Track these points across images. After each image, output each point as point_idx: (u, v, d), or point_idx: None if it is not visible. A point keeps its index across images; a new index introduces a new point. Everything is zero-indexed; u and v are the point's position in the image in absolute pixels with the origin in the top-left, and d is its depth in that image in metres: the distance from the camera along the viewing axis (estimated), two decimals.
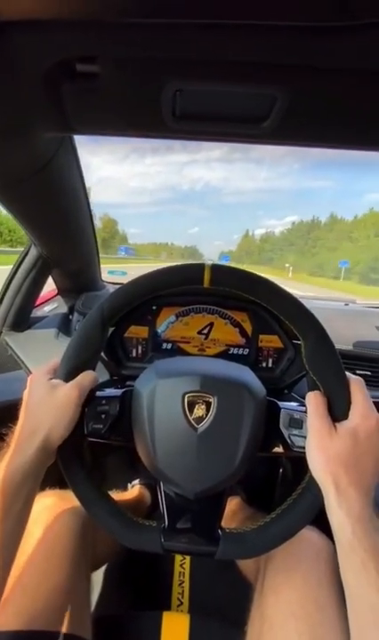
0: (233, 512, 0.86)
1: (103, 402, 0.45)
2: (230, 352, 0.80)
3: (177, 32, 0.28)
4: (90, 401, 0.43)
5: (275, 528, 0.41)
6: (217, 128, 0.40)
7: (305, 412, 0.42)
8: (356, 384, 0.40)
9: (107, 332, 0.43)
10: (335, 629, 0.41)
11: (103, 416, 0.44)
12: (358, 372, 0.79)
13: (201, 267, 0.40)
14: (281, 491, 1.05)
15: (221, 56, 0.31)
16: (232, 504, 0.92)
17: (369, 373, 0.79)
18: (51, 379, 0.43)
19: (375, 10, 0.25)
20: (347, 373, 0.40)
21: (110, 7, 0.26)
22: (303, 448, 0.41)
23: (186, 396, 0.41)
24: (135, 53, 0.31)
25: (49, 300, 1.06)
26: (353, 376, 0.40)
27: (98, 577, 0.84)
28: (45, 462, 0.40)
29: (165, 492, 0.46)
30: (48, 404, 0.40)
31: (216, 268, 0.40)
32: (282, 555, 0.43)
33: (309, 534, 0.40)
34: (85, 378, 0.42)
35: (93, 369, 0.44)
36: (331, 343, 0.40)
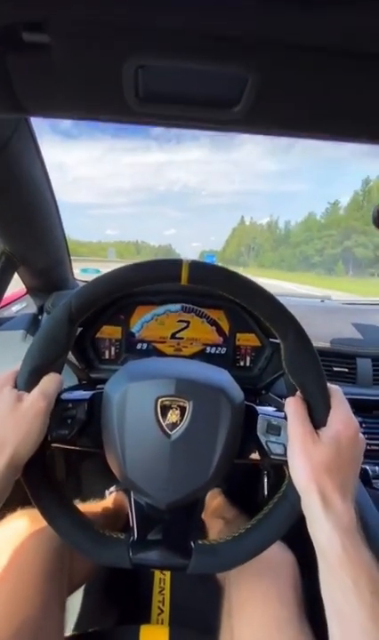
0: (215, 512, 0.85)
1: (70, 405, 0.42)
2: (208, 351, 0.78)
3: None
4: (55, 405, 0.40)
5: (249, 539, 0.40)
6: (185, 112, 0.37)
7: (283, 417, 0.40)
8: (335, 391, 0.39)
9: (75, 331, 0.40)
10: None
11: (69, 421, 0.41)
12: (334, 368, 0.79)
13: (179, 263, 0.37)
14: (262, 493, 1.04)
15: (187, 27, 0.28)
16: (215, 503, 0.91)
17: (346, 370, 0.79)
18: (15, 386, 0.39)
19: None
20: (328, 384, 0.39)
21: None
22: (281, 455, 0.39)
23: (159, 400, 0.39)
24: (90, 20, 0.28)
25: (17, 299, 1.01)
26: (333, 385, 0.39)
27: (77, 594, 0.80)
28: (12, 479, 0.37)
29: (135, 501, 0.43)
30: (13, 418, 0.36)
31: (195, 265, 0.37)
32: (244, 570, 0.41)
33: (272, 548, 0.39)
34: (50, 382, 0.38)
35: (59, 372, 0.41)
36: (311, 346, 0.38)
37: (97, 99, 0.36)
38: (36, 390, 0.38)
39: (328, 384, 0.39)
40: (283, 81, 0.33)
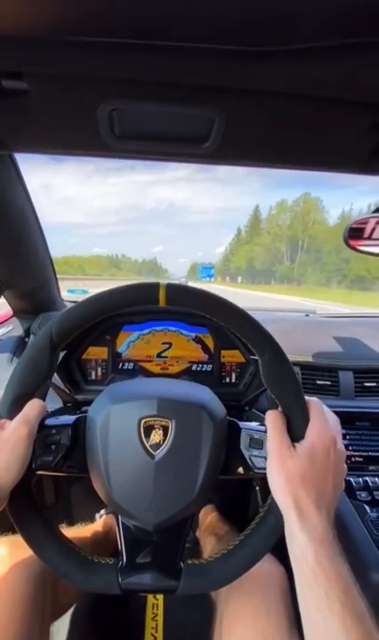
0: (208, 528, 0.84)
1: (53, 431, 0.41)
2: (194, 369, 0.79)
3: (108, 51, 0.28)
4: (38, 431, 0.40)
5: (238, 556, 0.40)
6: (160, 148, 0.40)
7: (265, 431, 0.41)
8: (313, 403, 0.39)
9: (56, 357, 0.40)
10: None
11: (53, 447, 0.41)
12: (317, 381, 0.81)
13: (156, 286, 0.39)
14: (254, 507, 1.03)
15: (155, 77, 0.31)
16: (208, 519, 0.90)
17: (329, 383, 0.81)
18: None
19: (305, 36, 0.26)
20: (306, 397, 0.40)
21: (35, 23, 0.25)
22: (264, 469, 0.39)
23: (142, 420, 0.39)
24: (64, 71, 0.30)
25: (3, 322, 1.00)
26: (311, 397, 0.40)
27: (64, 620, 0.78)
28: None
29: (123, 524, 0.43)
30: None
31: (171, 288, 0.39)
32: (235, 587, 0.41)
33: (261, 562, 0.39)
34: (32, 409, 0.38)
35: (42, 398, 0.41)
36: (287, 361, 0.39)
37: (75, 137, 0.38)
38: (17, 418, 0.37)
39: (308, 397, 0.40)
40: (245, 121, 0.36)
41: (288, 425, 0.38)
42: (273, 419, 0.38)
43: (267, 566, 0.51)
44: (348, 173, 0.44)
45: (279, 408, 0.39)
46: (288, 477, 0.35)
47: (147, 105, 0.34)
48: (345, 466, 0.39)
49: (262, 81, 0.31)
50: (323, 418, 0.38)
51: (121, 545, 0.42)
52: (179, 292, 0.39)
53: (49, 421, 0.42)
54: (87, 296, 0.40)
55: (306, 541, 0.32)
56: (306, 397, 0.40)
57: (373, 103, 0.34)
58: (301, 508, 0.34)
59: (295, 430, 0.38)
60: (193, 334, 0.79)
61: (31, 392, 0.39)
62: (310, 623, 0.31)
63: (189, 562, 0.40)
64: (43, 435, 0.40)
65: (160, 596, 0.91)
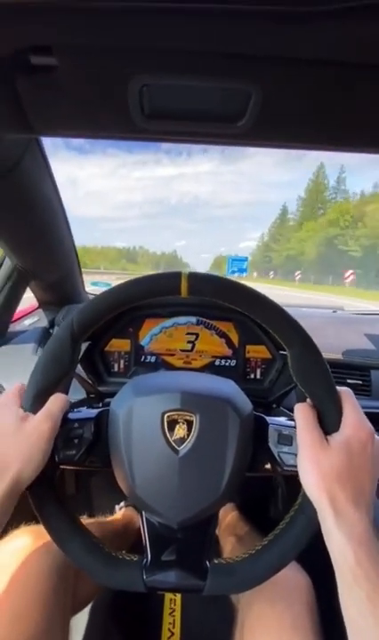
0: (228, 528, 0.83)
1: (76, 425, 0.41)
2: (217, 364, 0.78)
3: (139, 19, 0.26)
4: (61, 425, 0.39)
5: (267, 557, 0.38)
6: (191, 128, 0.37)
7: (294, 427, 0.39)
8: (346, 394, 0.37)
9: (78, 350, 0.40)
10: None
11: (76, 441, 0.40)
12: (349, 381, 0.77)
13: (178, 275, 0.37)
14: (276, 506, 1.01)
15: (189, 46, 0.29)
16: (228, 519, 0.89)
17: (360, 382, 0.77)
18: (22, 406, 0.39)
19: None
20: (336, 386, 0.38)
21: None
22: (294, 467, 0.38)
23: (165, 415, 0.38)
24: (94, 43, 0.29)
25: (29, 313, 1.02)
26: (343, 387, 0.38)
27: (83, 614, 0.78)
28: (14, 501, 0.36)
29: (147, 520, 0.42)
30: (17, 440, 0.36)
31: (193, 277, 0.37)
32: (258, 593, 0.39)
33: (285, 570, 0.37)
34: (55, 403, 0.38)
35: (65, 391, 0.41)
36: (318, 352, 0.37)
37: (104, 117, 0.37)
38: (41, 412, 0.37)
39: (339, 387, 0.37)
40: (284, 95, 0.33)
41: (320, 418, 0.36)
42: (303, 412, 0.36)
43: (291, 574, 0.49)
44: None
45: (309, 401, 0.37)
46: (322, 473, 0.33)
47: (178, 79, 0.32)
48: None
49: (305, 47, 0.29)
50: (358, 409, 0.36)
51: (145, 541, 0.41)
52: (202, 282, 0.37)
53: (72, 415, 0.42)
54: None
55: (344, 541, 0.30)
56: (337, 388, 0.37)
57: None
58: (337, 506, 0.32)
59: (328, 423, 0.36)
60: (217, 328, 0.77)
61: (54, 385, 0.39)
62: (352, 627, 0.29)
63: (216, 561, 0.39)
64: (66, 429, 0.40)
65: (178, 593, 0.90)
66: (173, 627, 0.84)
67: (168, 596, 0.90)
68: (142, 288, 0.38)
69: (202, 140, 0.40)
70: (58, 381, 0.39)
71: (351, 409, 0.36)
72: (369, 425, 0.35)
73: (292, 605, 0.46)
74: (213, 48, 0.29)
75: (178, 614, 0.86)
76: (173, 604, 0.89)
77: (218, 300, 0.38)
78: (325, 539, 0.33)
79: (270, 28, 0.27)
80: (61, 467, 0.41)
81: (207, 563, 0.39)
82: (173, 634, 0.83)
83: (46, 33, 0.28)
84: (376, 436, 0.35)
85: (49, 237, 0.74)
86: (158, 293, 0.38)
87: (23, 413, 0.37)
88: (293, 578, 0.49)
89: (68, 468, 0.41)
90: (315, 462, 0.34)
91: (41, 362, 0.39)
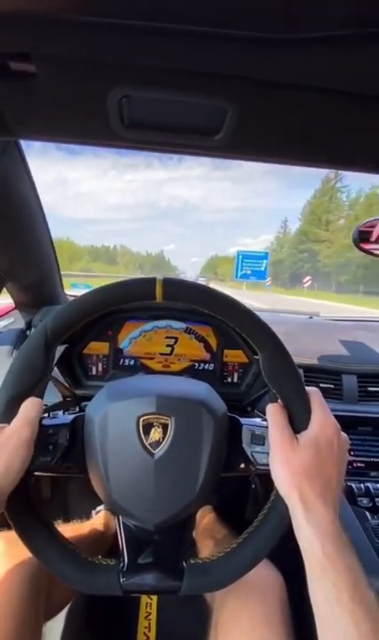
0: (206, 530, 0.83)
1: (51, 431, 0.40)
2: (196, 367, 0.78)
3: (120, 34, 0.27)
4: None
5: (241, 555, 0.39)
6: (170, 139, 0.38)
7: (266, 427, 0.40)
8: (314, 394, 0.39)
9: (52, 356, 0.39)
10: None
11: (51, 447, 0.40)
12: (321, 385, 0.80)
13: (152, 281, 0.38)
14: (252, 506, 1.03)
15: (168, 64, 0.30)
16: (205, 521, 0.89)
17: (332, 386, 0.80)
18: None
19: (322, 24, 0.25)
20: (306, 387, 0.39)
21: (43, 0, 0.24)
22: (267, 465, 0.39)
23: (141, 418, 0.39)
24: (74, 54, 0.29)
25: (5, 314, 1.00)
26: (311, 387, 0.40)
27: (58, 619, 0.77)
28: None
29: (124, 524, 0.42)
30: None
31: (168, 282, 0.38)
32: (231, 591, 0.41)
33: (257, 569, 0.38)
34: (31, 408, 0.37)
35: (40, 396, 0.40)
36: (288, 355, 0.38)
37: (83, 124, 0.37)
38: (17, 419, 0.36)
39: (308, 387, 0.39)
40: (259, 112, 0.35)
41: (290, 418, 0.37)
42: (274, 412, 0.38)
43: (264, 572, 0.51)
44: (363, 172, 0.43)
45: (280, 401, 0.39)
46: (292, 470, 0.34)
47: (158, 92, 0.33)
48: (347, 454, 0.38)
49: (276, 71, 0.30)
50: (325, 408, 0.38)
51: (122, 545, 0.41)
52: (176, 287, 0.38)
53: (46, 422, 0.41)
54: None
55: (313, 534, 0.32)
56: (306, 388, 0.39)
57: None
58: (306, 502, 0.33)
59: (298, 423, 0.37)
60: (197, 333, 0.78)
61: (27, 392, 0.38)
62: (319, 615, 0.31)
63: (192, 561, 0.40)
64: (41, 435, 0.39)
65: (154, 596, 0.90)
66: (149, 630, 0.84)
67: (144, 599, 0.90)
68: (117, 293, 0.38)
69: (181, 150, 0.41)
70: (31, 388, 0.38)
71: (319, 408, 0.37)
72: (335, 422, 0.37)
73: (264, 601, 0.47)
74: (192, 67, 0.30)
75: (153, 617, 0.86)
76: (148, 608, 0.89)
77: (192, 305, 0.39)
78: (295, 532, 0.34)
79: (248, 52, 0.28)
80: (36, 474, 0.40)
81: (183, 563, 0.39)
82: (147, 637, 0.83)
83: (25, 40, 0.28)
84: (342, 433, 0.37)
85: (26, 238, 0.73)
86: (133, 298, 0.39)
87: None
88: (265, 576, 0.50)
89: (43, 475, 0.41)
90: (285, 460, 0.35)
91: (13, 368, 0.38)
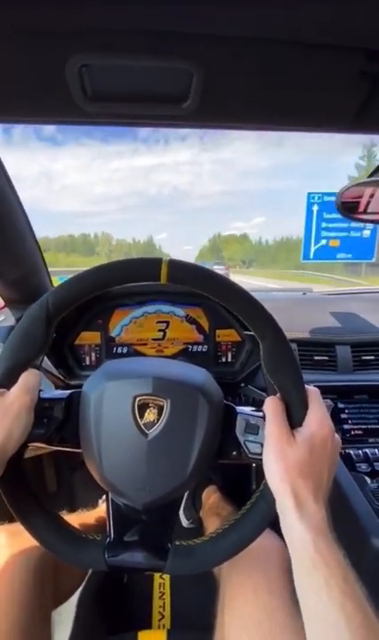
0: (212, 508, 0.85)
1: (47, 405, 0.41)
2: (190, 350, 0.78)
3: None
4: None
5: (226, 540, 0.40)
6: (136, 110, 0.37)
7: (262, 417, 0.41)
8: (313, 393, 0.39)
9: (52, 331, 0.39)
10: (286, 633, 0.41)
11: (46, 420, 0.40)
12: (315, 357, 0.80)
13: (158, 261, 0.37)
14: (256, 485, 1.04)
15: (126, 25, 0.28)
16: (212, 500, 0.91)
17: (326, 358, 0.80)
18: None
19: None
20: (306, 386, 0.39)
21: None
22: (258, 455, 0.39)
23: (137, 399, 0.39)
24: (29, 20, 0.28)
25: None
26: (311, 387, 0.39)
27: (70, 604, 0.79)
28: None
29: (112, 502, 0.43)
30: None
31: (174, 264, 0.37)
32: (236, 562, 0.42)
33: (260, 538, 0.39)
34: (31, 378, 0.37)
35: (37, 369, 0.40)
36: (289, 347, 0.38)
37: (45, 100, 0.36)
38: (18, 386, 0.37)
39: (307, 386, 0.39)
40: (225, 73, 0.34)
41: (288, 411, 0.37)
42: (273, 405, 0.38)
43: (267, 541, 0.51)
44: (336, 132, 0.42)
45: (278, 394, 0.39)
46: (287, 466, 0.34)
47: (118, 59, 0.31)
48: (339, 457, 0.39)
49: (239, 26, 0.29)
50: (322, 407, 0.38)
51: (109, 522, 0.42)
52: (181, 270, 0.37)
53: (43, 394, 0.42)
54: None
55: (304, 530, 0.32)
56: (306, 387, 0.39)
57: (362, 48, 0.32)
58: (299, 498, 0.33)
59: (294, 417, 0.37)
60: (187, 315, 0.77)
61: (25, 364, 0.38)
62: (308, 610, 0.31)
63: (177, 543, 0.40)
64: (37, 407, 0.39)
65: (166, 576, 0.92)
66: (164, 609, 0.86)
67: (157, 580, 0.92)
68: (121, 272, 0.38)
69: (149, 122, 0.39)
70: (30, 360, 0.38)
71: (317, 407, 0.38)
72: (331, 424, 0.37)
73: (268, 570, 0.48)
74: (151, 26, 0.29)
75: (167, 597, 0.88)
76: (162, 588, 0.91)
77: (195, 288, 0.38)
78: (282, 528, 0.34)
79: (204, 6, 0.27)
80: (30, 445, 0.40)
81: (168, 544, 0.40)
82: (163, 616, 0.85)
83: None
84: (336, 435, 0.37)
85: (7, 233, 0.72)
86: (137, 278, 0.38)
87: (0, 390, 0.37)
88: (268, 544, 0.50)
89: (41, 447, 0.42)
90: (281, 454, 0.35)
91: (13, 338, 0.37)
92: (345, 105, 0.38)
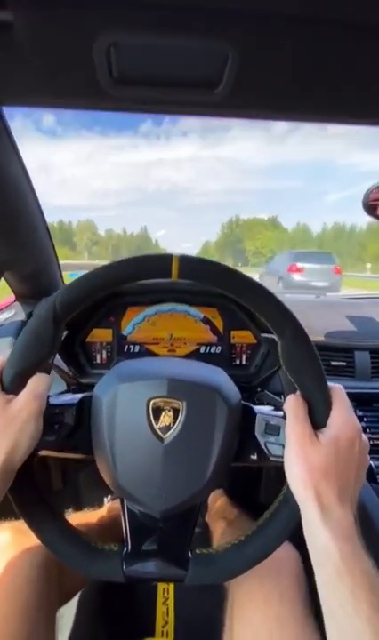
0: (218, 513, 0.83)
1: (57, 410, 0.40)
2: (202, 351, 0.76)
3: None
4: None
5: (250, 547, 0.38)
6: (164, 95, 0.35)
7: (282, 417, 0.39)
8: (337, 391, 0.37)
9: (61, 332, 0.37)
10: None
11: (57, 426, 0.39)
12: (332, 362, 0.78)
13: (168, 257, 0.36)
14: (265, 488, 1.02)
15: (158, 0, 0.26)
16: (218, 504, 0.89)
17: (344, 364, 0.77)
18: (2, 389, 0.36)
19: None
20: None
21: None
22: (280, 457, 0.37)
23: (151, 401, 0.37)
24: None
25: (6, 307, 0.98)
26: (334, 384, 0.37)
27: (72, 606, 0.77)
28: (6, 486, 0.35)
29: (128, 510, 0.41)
30: (3, 422, 0.34)
31: (185, 259, 0.36)
32: (246, 573, 0.40)
33: None
34: (39, 383, 0.36)
35: (47, 373, 0.39)
36: (309, 342, 0.36)
37: (69, 82, 0.34)
38: (26, 391, 0.35)
39: (330, 383, 0.37)
40: (266, 56, 0.31)
41: (310, 410, 0.35)
42: (294, 404, 0.35)
43: (281, 549, 0.50)
44: None
45: (299, 393, 0.36)
46: (310, 469, 0.32)
47: (149, 37, 0.29)
48: (368, 457, 0.36)
49: (282, 3, 0.27)
50: (347, 405, 0.36)
51: (126, 531, 0.40)
52: (193, 265, 0.36)
53: (53, 400, 0.40)
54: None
55: (329, 538, 0.30)
56: (329, 384, 0.37)
57: None
58: (323, 503, 0.31)
59: (317, 417, 0.35)
60: (201, 315, 0.75)
61: (34, 367, 0.36)
62: (333, 622, 0.29)
63: (198, 551, 0.39)
64: (47, 414, 0.38)
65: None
66: (168, 615, 0.84)
67: (161, 585, 0.90)
68: (130, 269, 0.36)
69: (177, 109, 0.37)
70: (39, 363, 0.36)
71: (342, 405, 0.36)
72: (358, 423, 0.35)
73: (280, 579, 0.46)
74: (188, 2, 0.27)
75: (171, 602, 0.87)
76: (166, 593, 0.89)
77: (209, 284, 0.37)
78: (306, 534, 0.33)
79: None
80: (44, 454, 0.39)
81: (189, 553, 0.38)
82: (166, 622, 0.83)
83: None
84: (363, 436, 0.35)
85: (21, 225, 0.70)
86: (147, 275, 0.36)
87: (5, 396, 0.35)
88: (281, 552, 0.49)
89: (50, 455, 0.40)
90: (303, 456, 0.33)
91: (20, 342, 0.36)
92: None
